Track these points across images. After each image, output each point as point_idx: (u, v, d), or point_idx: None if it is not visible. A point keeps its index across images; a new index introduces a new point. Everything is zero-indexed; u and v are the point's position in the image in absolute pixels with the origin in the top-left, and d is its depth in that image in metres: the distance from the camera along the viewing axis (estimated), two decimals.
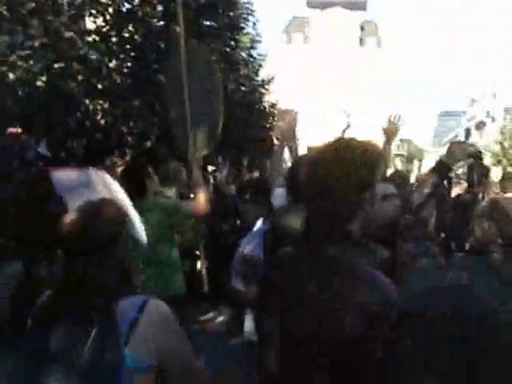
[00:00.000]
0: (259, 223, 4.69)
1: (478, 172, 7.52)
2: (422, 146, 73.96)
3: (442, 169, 2.79)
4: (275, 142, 6.26)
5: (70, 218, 1.90)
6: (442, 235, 6.98)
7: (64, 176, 2.55)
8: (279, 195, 3.81)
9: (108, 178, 2.88)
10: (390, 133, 4.13)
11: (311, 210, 1.95)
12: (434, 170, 2.80)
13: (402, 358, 1.79)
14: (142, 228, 2.25)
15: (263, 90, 24.32)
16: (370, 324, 1.69)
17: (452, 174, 7.96)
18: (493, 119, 57.30)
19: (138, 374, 1.79)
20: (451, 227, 7.03)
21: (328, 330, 1.75)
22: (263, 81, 24.15)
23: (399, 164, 34.61)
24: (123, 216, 2.03)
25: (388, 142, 4.12)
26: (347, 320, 1.71)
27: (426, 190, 2.77)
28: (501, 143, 39.65)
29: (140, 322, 1.81)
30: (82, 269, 1.86)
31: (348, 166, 1.84)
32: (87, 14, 11.83)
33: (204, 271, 5.24)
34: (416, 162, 31.12)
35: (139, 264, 3.88)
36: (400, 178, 8.28)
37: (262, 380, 2.02)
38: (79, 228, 1.87)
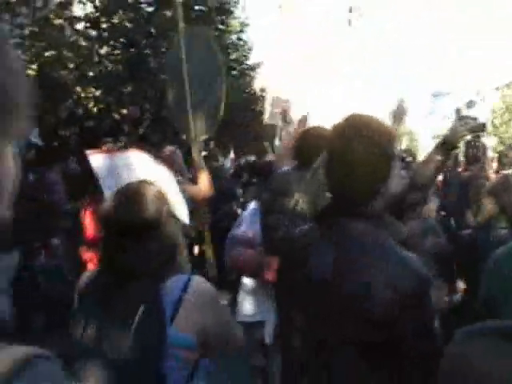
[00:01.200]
0: (252, 205, 4.69)
1: (475, 149, 7.53)
2: (413, 126, 73.97)
3: (447, 146, 2.75)
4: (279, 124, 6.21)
5: (112, 200, 1.91)
6: (443, 213, 6.99)
7: (106, 159, 2.52)
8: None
9: (148, 159, 2.85)
10: (398, 116, 4.12)
11: (334, 186, 1.91)
12: (438, 148, 2.75)
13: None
14: (185, 208, 2.22)
15: (253, 74, 24.21)
16: (403, 304, 1.64)
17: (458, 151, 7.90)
18: (483, 98, 57.33)
19: (183, 352, 1.81)
20: (451, 205, 7.03)
21: (356, 311, 1.71)
22: (253, 65, 24.01)
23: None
24: (164, 197, 2.00)
25: (397, 124, 4.10)
26: (378, 300, 1.66)
27: (431, 169, 2.72)
28: (492, 121, 39.71)
29: (184, 300, 1.82)
30: (129, 249, 1.86)
31: (369, 142, 1.80)
32: (76, 0, 11.69)
33: (210, 254, 5.21)
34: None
35: (183, 244, 3.89)
36: (409, 155, 8.28)
37: (286, 361, 2.00)
38: (122, 211, 1.87)
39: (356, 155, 1.77)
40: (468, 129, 2.75)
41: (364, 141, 1.79)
